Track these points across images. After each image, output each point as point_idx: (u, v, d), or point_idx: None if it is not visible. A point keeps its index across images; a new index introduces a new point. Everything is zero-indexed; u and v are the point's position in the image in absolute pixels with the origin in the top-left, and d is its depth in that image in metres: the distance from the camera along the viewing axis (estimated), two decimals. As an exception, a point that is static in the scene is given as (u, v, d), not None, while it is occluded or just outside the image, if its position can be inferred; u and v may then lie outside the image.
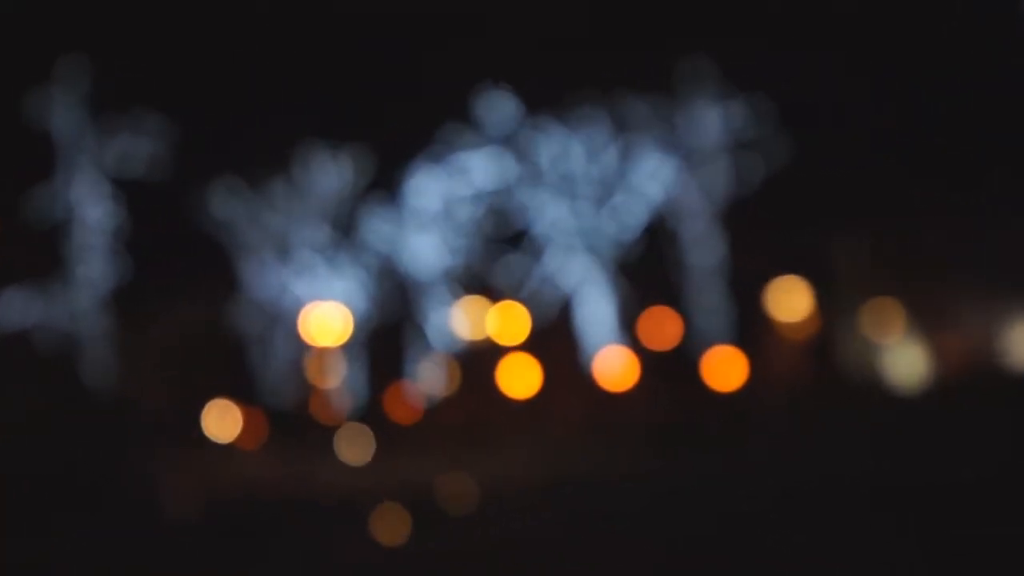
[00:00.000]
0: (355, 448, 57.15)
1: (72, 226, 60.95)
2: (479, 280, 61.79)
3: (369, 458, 55.28)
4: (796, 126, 57.26)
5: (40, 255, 60.76)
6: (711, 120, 59.87)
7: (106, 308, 60.75)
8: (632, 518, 24.88)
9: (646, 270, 59.42)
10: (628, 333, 60.29)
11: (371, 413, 61.25)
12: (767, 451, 39.61)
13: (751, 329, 58.37)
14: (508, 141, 61.18)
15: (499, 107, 60.73)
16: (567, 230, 60.86)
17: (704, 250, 59.90)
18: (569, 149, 60.91)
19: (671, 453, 44.25)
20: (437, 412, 61.57)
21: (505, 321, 60.94)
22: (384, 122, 59.76)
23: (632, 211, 60.25)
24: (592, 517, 25.55)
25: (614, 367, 59.90)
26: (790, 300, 58.34)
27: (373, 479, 46.33)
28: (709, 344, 58.67)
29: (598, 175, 60.73)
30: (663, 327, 60.10)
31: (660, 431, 52.72)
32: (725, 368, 57.78)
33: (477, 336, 61.99)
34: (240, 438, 60.59)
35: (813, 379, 55.18)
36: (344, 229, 62.62)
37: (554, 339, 61.49)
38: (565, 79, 59.04)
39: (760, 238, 58.61)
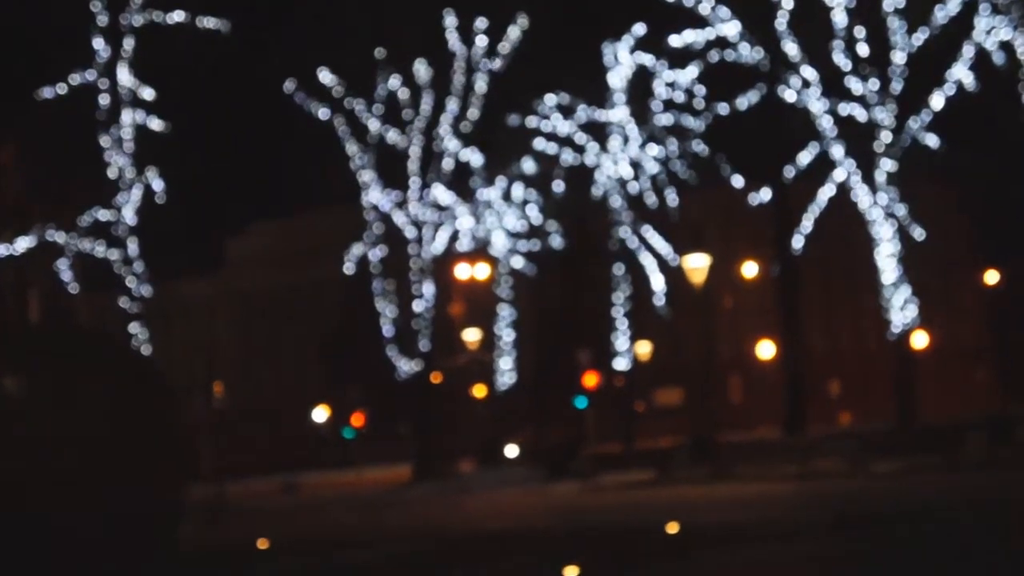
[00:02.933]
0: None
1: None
2: (702, 204, 41.88)
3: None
4: None
5: None
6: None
7: None
8: None
9: (961, 186, 39.27)
10: (934, 277, 40.64)
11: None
12: None
13: None
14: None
15: None
16: (838, 120, 41.03)
17: None
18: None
19: None
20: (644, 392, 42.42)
21: (743, 267, 41.52)
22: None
23: (939, 97, 40.18)
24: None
25: (915, 327, 40.53)
26: None
27: None
28: None
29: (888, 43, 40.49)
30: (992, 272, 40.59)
31: None
32: None
33: (699, 288, 42.51)
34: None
35: None
36: (505, 143, 42.47)
37: (816, 289, 42.12)
38: None
39: None
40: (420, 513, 29.61)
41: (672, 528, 20.75)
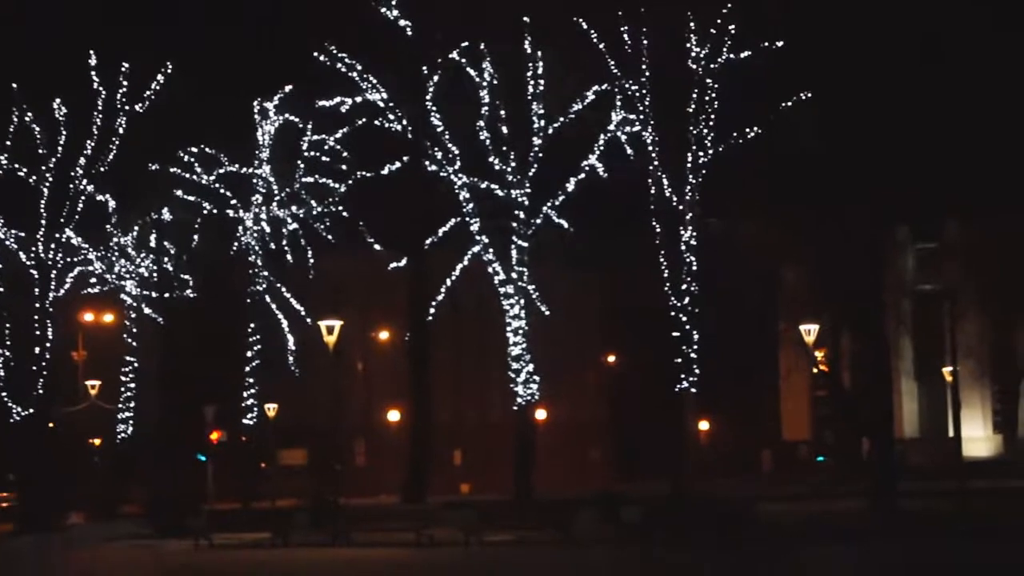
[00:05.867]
0: None
1: None
2: (341, 266, 42.32)
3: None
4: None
5: None
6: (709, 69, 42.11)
7: None
8: None
9: (595, 264, 41.01)
10: (564, 354, 42.10)
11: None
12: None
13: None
14: (400, 68, 41.79)
15: (393, 20, 41.05)
16: (479, 196, 42.12)
17: (688, 250, 42.21)
18: (487, 86, 41.95)
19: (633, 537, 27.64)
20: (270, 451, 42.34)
21: (377, 329, 42.13)
22: (222, 37, 39.39)
23: (575, 182, 41.78)
24: None
25: (540, 402, 41.78)
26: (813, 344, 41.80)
27: None
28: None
29: (531, 127, 42.00)
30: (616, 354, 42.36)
31: None
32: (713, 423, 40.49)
33: (332, 347, 42.66)
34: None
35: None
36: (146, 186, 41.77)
37: (448, 357, 43.15)
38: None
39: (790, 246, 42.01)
40: (18, 569, 28.40)
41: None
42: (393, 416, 46.98)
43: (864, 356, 41.61)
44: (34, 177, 42.15)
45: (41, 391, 40.13)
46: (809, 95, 40.84)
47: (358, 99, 42.08)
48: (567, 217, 42.08)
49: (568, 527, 32.22)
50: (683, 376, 41.87)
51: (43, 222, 41.99)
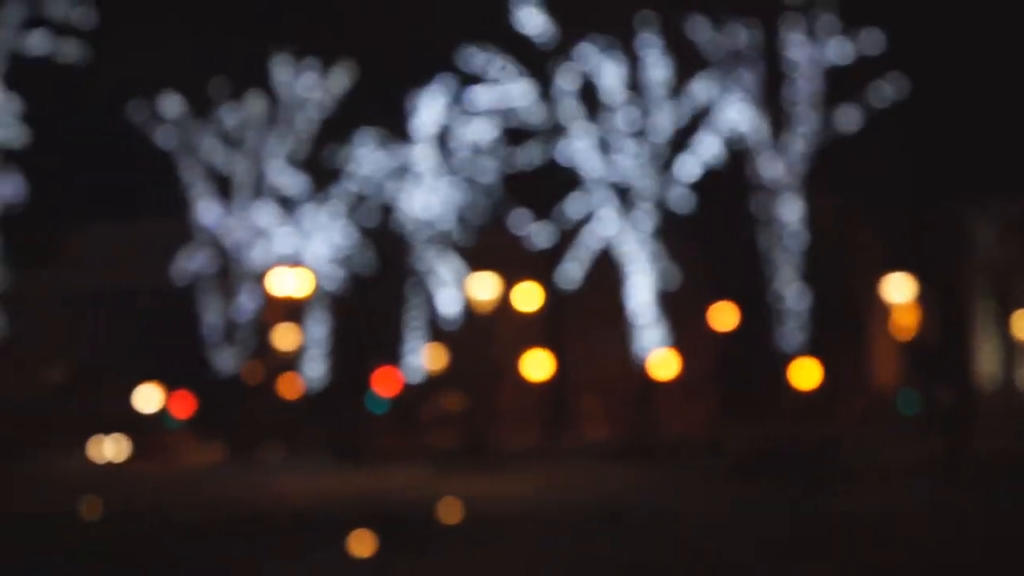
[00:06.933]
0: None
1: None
2: (491, 238, 49.37)
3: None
4: (923, 72, 46.02)
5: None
6: (805, 56, 48.08)
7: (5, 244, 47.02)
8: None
9: (709, 237, 47.59)
10: (681, 316, 48.92)
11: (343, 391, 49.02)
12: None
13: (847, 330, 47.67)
14: (537, 66, 48.33)
15: (530, 21, 47.72)
16: (606, 181, 48.74)
17: (789, 220, 48.63)
18: (611, 81, 48.43)
19: (739, 479, 33.59)
20: (429, 397, 49.73)
21: (520, 290, 49.03)
22: (381, 35, 46.67)
23: (695, 161, 48.28)
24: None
25: (658, 357, 48.62)
26: (902, 295, 47.72)
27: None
28: (791, 345, 47.81)
29: (652, 113, 48.44)
30: (727, 313, 48.91)
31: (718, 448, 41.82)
32: (810, 372, 46.97)
33: (484, 306, 49.88)
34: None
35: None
36: (324, 169, 49.22)
37: (583, 316, 49.92)
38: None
39: (871, 217, 47.82)
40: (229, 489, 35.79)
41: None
42: (530, 365, 53.95)
43: (944, 310, 47.44)
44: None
45: (244, 348, 48.92)
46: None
47: (502, 90, 48.80)
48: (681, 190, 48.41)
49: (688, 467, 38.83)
50: (779, 327, 48.33)
51: (239, 200, 50.05)
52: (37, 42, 47.58)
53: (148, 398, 49.22)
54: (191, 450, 46.47)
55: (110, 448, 46.80)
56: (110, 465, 45.49)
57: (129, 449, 46.98)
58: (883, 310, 49.54)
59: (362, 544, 22.16)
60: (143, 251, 50.02)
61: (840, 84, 48.34)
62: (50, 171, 47.85)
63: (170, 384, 49.34)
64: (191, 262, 50.49)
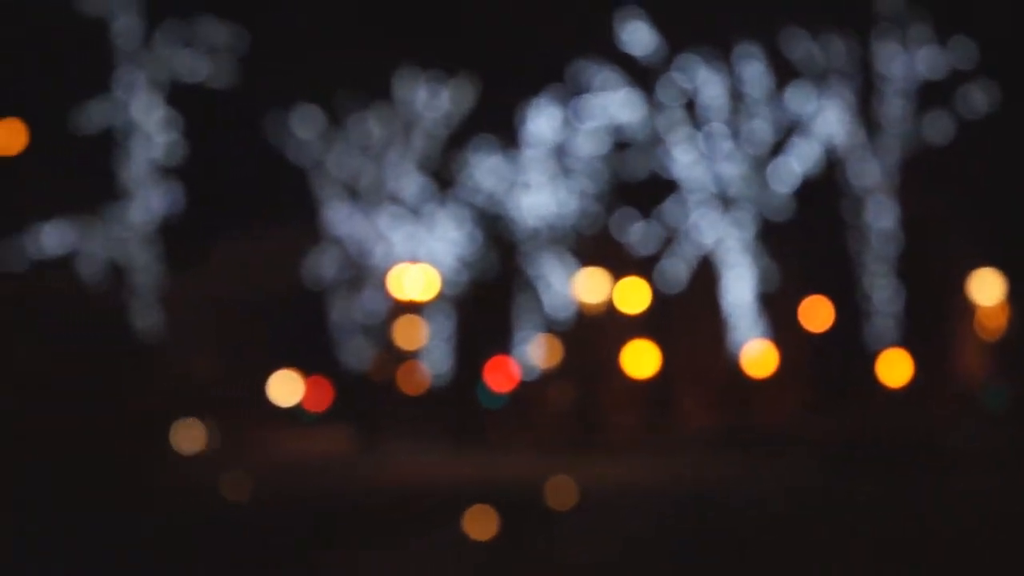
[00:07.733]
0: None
1: (126, 148, 50.50)
2: (599, 242, 52.61)
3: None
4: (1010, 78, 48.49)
5: (85, 179, 50.42)
6: (900, 64, 50.72)
7: (158, 246, 50.97)
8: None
9: (804, 241, 50.55)
10: (777, 314, 51.92)
11: (463, 385, 52.61)
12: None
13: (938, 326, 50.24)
14: (644, 78, 51.50)
15: (636, 36, 50.89)
16: (712, 186, 51.78)
17: (881, 224, 51.40)
18: (716, 90, 51.42)
19: (834, 468, 36.29)
20: (541, 389, 53.12)
21: (626, 290, 52.15)
22: (498, 49, 50.05)
23: (792, 168, 51.21)
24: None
25: (758, 354, 51.68)
26: (990, 294, 50.23)
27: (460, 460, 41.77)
28: (884, 338, 50.67)
29: (751, 123, 51.44)
30: (821, 311, 51.77)
31: (817, 440, 44.73)
32: (899, 367, 49.74)
33: (593, 306, 53.21)
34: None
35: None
36: (444, 176, 52.78)
37: (684, 315, 52.96)
38: (716, 4, 49.59)
39: (958, 214, 50.27)
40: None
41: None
42: (637, 360, 57.14)
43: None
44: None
45: (370, 346, 53.10)
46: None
47: (610, 100, 52.06)
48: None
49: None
50: (870, 324, 51.28)
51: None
52: (192, 65, 51.32)
53: (286, 390, 53.39)
54: (325, 439, 50.64)
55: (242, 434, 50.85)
56: (246, 448, 49.27)
57: (264, 437, 51.01)
58: (971, 308, 52.16)
59: (481, 525, 24.06)
60: (277, 256, 53.78)
61: (932, 93, 50.92)
62: (198, 184, 51.74)
63: (306, 377, 53.43)
64: (323, 265, 54.42)
